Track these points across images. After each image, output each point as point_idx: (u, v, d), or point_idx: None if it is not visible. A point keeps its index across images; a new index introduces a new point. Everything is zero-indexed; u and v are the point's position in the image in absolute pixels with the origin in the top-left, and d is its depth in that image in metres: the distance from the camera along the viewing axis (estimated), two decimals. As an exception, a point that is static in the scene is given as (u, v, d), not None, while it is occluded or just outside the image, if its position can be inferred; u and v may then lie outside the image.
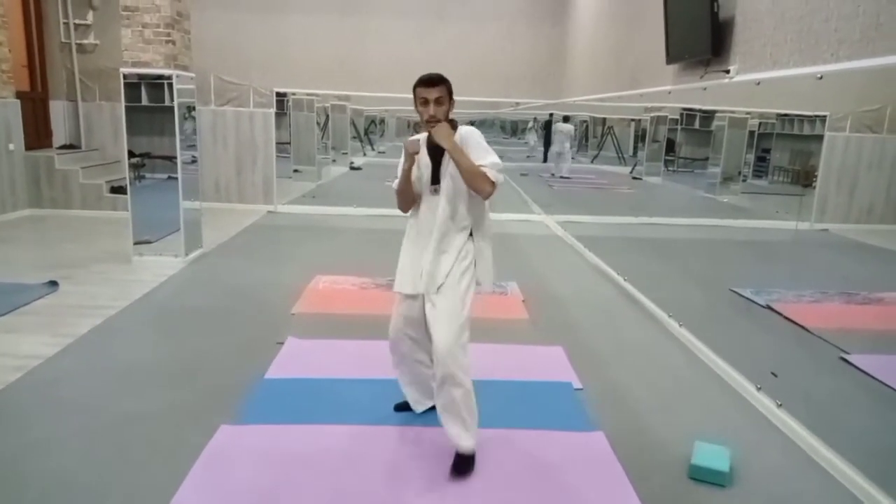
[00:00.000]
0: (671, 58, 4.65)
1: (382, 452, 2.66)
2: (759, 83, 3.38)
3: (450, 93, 2.50)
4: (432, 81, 2.46)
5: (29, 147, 7.61)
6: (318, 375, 3.37)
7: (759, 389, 3.22)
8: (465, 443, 2.50)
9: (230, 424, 2.80)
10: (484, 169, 2.41)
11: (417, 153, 2.52)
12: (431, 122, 2.46)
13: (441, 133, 2.42)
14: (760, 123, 13.34)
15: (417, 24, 14.91)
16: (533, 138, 20.22)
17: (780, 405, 3.04)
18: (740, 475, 2.55)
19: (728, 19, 3.98)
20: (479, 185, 2.42)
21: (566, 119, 14.30)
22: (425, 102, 2.46)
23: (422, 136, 2.58)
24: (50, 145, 8.34)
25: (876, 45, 2.57)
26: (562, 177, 13.80)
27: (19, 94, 7.52)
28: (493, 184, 2.43)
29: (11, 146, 7.23)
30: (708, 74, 4.04)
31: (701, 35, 3.96)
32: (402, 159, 2.55)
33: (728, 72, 3.68)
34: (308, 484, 2.41)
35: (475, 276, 2.58)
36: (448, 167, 2.50)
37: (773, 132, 14.49)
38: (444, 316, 2.47)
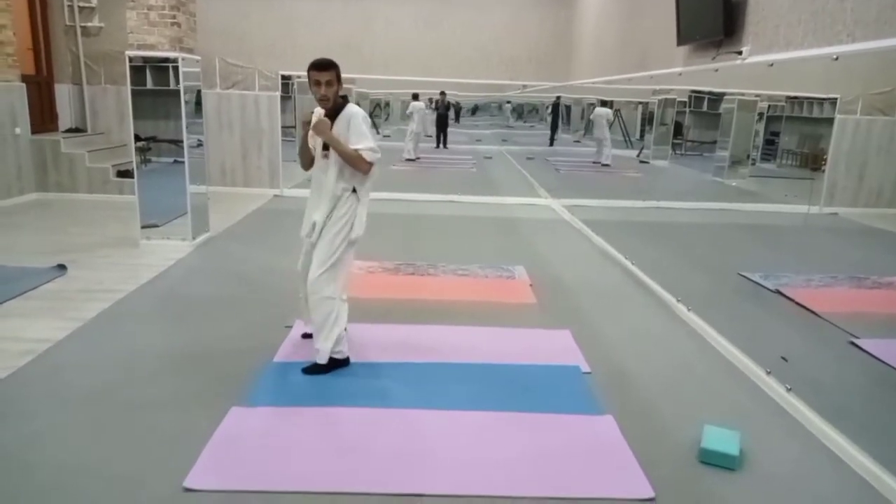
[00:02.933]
0: (682, 38, 4.58)
1: (392, 434, 2.66)
2: (771, 64, 3.32)
3: (338, 76, 2.98)
4: (324, 66, 2.93)
5: (35, 131, 7.60)
6: (326, 359, 3.36)
7: (768, 374, 3.21)
8: (320, 351, 3.14)
9: (240, 407, 2.81)
10: (360, 152, 2.96)
11: (309, 123, 3.05)
12: (323, 100, 2.97)
13: (319, 128, 2.97)
14: (770, 106, 13.18)
15: (424, 9, 14.77)
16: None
17: (790, 389, 3.03)
18: (750, 459, 2.55)
19: (740, -1, 3.91)
20: (357, 166, 3.00)
21: (605, 103, 13.33)
22: (318, 84, 2.94)
23: (317, 110, 3.06)
24: (56, 129, 8.33)
25: (893, 26, 2.52)
26: (603, 164, 12.88)
27: (24, 78, 7.50)
28: (368, 164, 3.00)
29: (18, 130, 7.22)
30: (720, 56, 3.98)
31: (713, 15, 3.90)
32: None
33: (740, 53, 3.63)
34: (317, 465, 2.42)
35: (352, 227, 3.11)
36: None
37: (783, 115, 14.34)
38: (318, 256, 3.09)
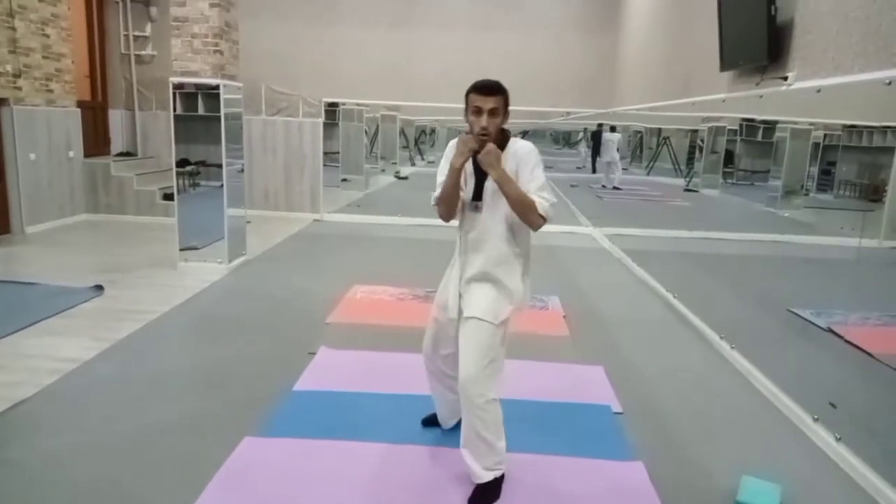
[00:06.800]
0: (725, 64, 4.42)
1: (409, 472, 2.55)
2: (819, 90, 3.14)
3: (506, 103, 2.26)
4: (489, 90, 2.22)
5: (88, 154, 7.89)
6: (348, 389, 3.29)
7: (815, 420, 2.97)
8: (478, 473, 2.34)
9: (254, 437, 2.75)
10: (534, 199, 2.20)
11: (474, 151, 2.20)
12: (483, 134, 2.20)
13: (489, 160, 2.17)
14: (826, 135, 12.71)
15: (465, 35, 14.93)
16: (584, 149, 19.89)
17: (840, 439, 2.79)
18: (792, 516, 2.33)
19: (786, 22, 3.73)
20: (527, 217, 2.23)
21: (613, 129, 14.04)
22: (478, 112, 2.21)
23: (454, 143, 2.30)
24: (108, 153, 8.64)
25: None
26: (615, 188, 13.47)
27: (80, 104, 7.82)
28: (542, 217, 2.23)
29: (71, 153, 7.50)
30: (764, 81, 3.81)
31: (757, 40, 3.73)
32: (442, 166, 2.33)
33: (786, 78, 3.45)
34: (329, 502, 2.33)
35: (514, 302, 2.35)
36: (493, 185, 2.26)
37: (840, 144, 13.80)
38: (475, 346, 2.27)
